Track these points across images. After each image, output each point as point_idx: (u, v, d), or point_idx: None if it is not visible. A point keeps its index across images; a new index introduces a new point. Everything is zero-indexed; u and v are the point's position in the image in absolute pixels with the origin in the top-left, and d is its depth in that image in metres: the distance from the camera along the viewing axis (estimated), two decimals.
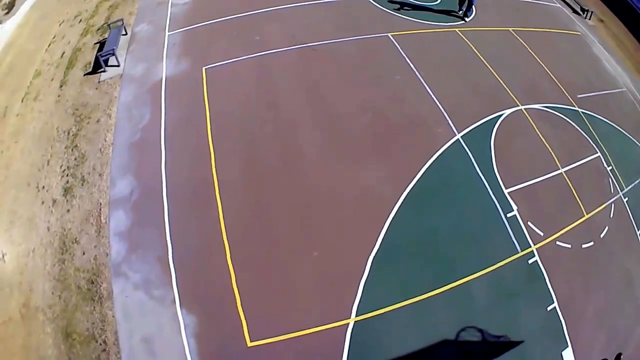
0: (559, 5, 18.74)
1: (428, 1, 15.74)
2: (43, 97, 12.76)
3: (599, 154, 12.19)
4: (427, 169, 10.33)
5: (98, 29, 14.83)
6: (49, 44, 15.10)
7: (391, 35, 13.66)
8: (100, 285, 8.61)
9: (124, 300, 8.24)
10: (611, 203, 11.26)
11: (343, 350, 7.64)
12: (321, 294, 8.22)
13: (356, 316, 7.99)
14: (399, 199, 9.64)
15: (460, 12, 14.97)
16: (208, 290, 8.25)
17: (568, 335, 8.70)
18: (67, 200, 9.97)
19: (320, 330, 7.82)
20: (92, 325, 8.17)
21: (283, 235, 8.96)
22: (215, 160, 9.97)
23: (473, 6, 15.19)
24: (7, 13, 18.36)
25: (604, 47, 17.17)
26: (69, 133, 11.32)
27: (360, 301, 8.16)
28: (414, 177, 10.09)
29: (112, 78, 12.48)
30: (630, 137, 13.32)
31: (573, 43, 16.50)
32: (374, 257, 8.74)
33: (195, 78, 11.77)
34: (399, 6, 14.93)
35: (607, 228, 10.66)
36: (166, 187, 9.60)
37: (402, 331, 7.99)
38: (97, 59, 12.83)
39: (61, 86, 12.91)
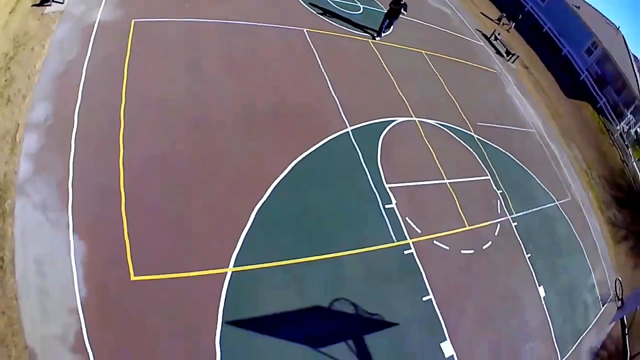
0: (483, 44, 19.99)
1: (351, 10, 15.92)
2: None
3: (489, 177, 12.31)
4: (315, 149, 10.06)
5: None
6: None
7: (306, 30, 13.45)
8: (5, 202, 8.31)
9: (24, 219, 7.93)
10: (497, 222, 11.23)
11: (220, 299, 7.48)
12: (205, 239, 8.06)
13: (234, 267, 7.74)
14: (286, 167, 9.43)
15: (377, 33, 15.13)
16: (100, 221, 7.94)
17: (446, 328, 8.59)
18: None
19: (200, 275, 7.66)
20: None
21: (179, 180, 8.72)
22: (125, 103, 9.62)
23: (392, 27, 15.37)
24: None
25: (519, 89, 18.22)
26: (6, 56, 11.26)
27: (239, 252, 7.97)
28: (301, 154, 9.85)
29: (54, 13, 12.42)
30: (529, 172, 13.84)
31: (485, 78, 17.37)
32: (257, 211, 8.54)
33: (123, 27, 11.68)
34: (322, 11, 14.83)
35: (490, 242, 10.58)
36: (77, 117, 9.20)
37: (277, 290, 7.84)
38: None
39: (10, 12, 12.76)
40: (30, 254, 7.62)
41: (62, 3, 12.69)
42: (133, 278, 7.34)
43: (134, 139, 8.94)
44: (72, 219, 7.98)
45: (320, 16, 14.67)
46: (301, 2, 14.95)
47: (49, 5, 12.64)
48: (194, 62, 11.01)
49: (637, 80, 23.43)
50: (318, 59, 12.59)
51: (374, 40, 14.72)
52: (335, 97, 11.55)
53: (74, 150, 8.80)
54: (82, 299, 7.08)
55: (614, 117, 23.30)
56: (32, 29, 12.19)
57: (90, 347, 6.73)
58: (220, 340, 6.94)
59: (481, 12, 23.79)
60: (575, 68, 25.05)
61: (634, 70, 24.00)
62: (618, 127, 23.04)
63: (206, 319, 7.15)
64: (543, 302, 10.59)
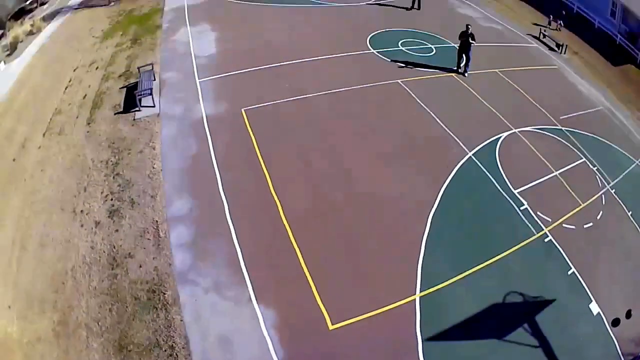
0: (536, 45, 22.67)
1: (425, 53, 19.29)
2: (69, 132, 13.81)
3: (584, 159, 15.04)
4: (452, 178, 12.92)
5: (120, 76, 16.78)
6: (66, 87, 16.67)
7: (400, 81, 16.90)
8: (164, 294, 9.03)
9: (194, 305, 8.80)
10: (602, 194, 13.86)
11: (415, 323, 8.93)
12: (387, 275, 9.84)
13: (420, 292, 9.55)
14: (437, 197, 12.14)
15: (460, 69, 18.10)
16: (282, 284, 9.26)
17: (590, 292, 10.68)
18: (113, 222, 10.67)
19: (392, 308, 9.11)
20: (155, 333, 8.45)
21: (344, 228, 10.72)
22: (269, 174, 12.04)
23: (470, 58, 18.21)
24: (9, 55, 20.03)
25: (578, 75, 20.80)
26: (107, 163, 12.26)
27: (421, 278, 9.81)
28: (444, 183, 12.67)
29: (149, 117, 13.91)
30: (610, 143, 16.32)
31: (551, 75, 20.05)
32: (426, 239, 10.83)
33: (235, 115, 13.98)
34: (403, 63, 18.19)
35: (601, 212, 13.17)
36: (226, 199, 11.05)
37: (460, 300, 9.63)
38: (127, 99, 14.61)
39: (89, 123, 14.03)
40: (211, 335, 8.29)
41: (154, 106, 14.44)
42: (331, 327, 8.49)
43: (290, 200, 11.02)
44: (253, 291, 9.00)
45: (405, 66, 18.00)
46: (383, 58, 18.37)
47: (139, 110, 14.32)
48: (317, 126, 13.91)
49: None
50: (419, 101, 15.85)
51: (457, 72, 17.92)
52: (447, 129, 14.65)
53: (233, 228, 10.25)
54: None
55: None
56: (128, 134, 13.28)
57: None
58: (423, 355, 8.45)
59: (532, 23, 25.74)
60: (610, 36, 26.08)
61: None
62: None
63: (408, 341, 8.65)
64: None
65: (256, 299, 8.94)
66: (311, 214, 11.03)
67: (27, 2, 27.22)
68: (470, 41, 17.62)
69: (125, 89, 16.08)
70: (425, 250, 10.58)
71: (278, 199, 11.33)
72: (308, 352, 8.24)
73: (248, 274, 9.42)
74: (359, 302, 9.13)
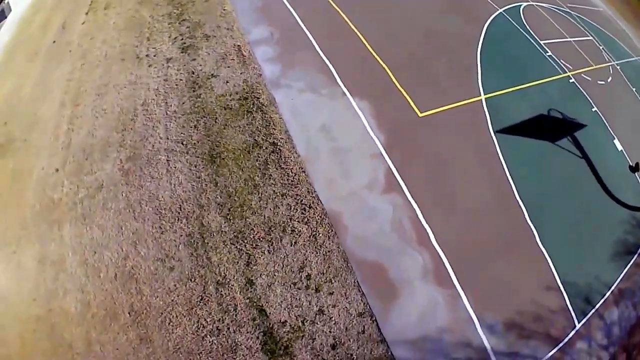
0: None
1: None
2: (116, 5, 12.96)
3: (592, 37, 16.54)
4: (489, 23, 13.90)
5: None
6: None
7: None
8: (258, 98, 9.17)
9: (291, 103, 9.09)
10: (609, 66, 15.46)
11: (486, 117, 10.29)
12: (457, 82, 11.00)
13: (484, 94, 10.77)
14: (481, 34, 13.08)
15: None
16: (371, 82, 9.97)
17: (612, 130, 12.25)
18: (188, 54, 10.47)
19: (466, 103, 10.32)
20: (252, 135, 8.61)
21: (416, 45, 11.77)
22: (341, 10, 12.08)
23: None
24: None
25: None
26: (169, 15, 11.80)
27: (482, 87, 10.95)
28: (484, 25, 13.64)
29: None
30: (613, 37, 18.13)
31: None
32: (480, 60, 11.88)
33: None
34: None
35: (610, 77, 14.79)
36: (305, 26, 11.09)
37: (514, 107, 11.03)
38: None
39: None
40: (312, 127, 8.67)
41: None
42: (420, 115, 9.51)
43: (362, 23, 11.90)
44: (346, 88, 9.47)
45: None
46: None
47: None
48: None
49: None
50: None
51: None
52: None
53: (317, 44, 10.51)
54: (382, 143, 8.59)
55: None
56: None
57: (403, 181, 8.10)
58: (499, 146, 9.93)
59: None
60: None
61: None
62: None
63: (482, 127, 10.04)
64: None
65: (350, 94, 9.40)
66: (385, 35, 11.50)
67: None
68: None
69: None
70: (481, 69, 11.59)
71: (353, 24, 11.50)
72: (405, 134, 8.98)
73: (339, 76, 9.77)
74: (439, 98, 10.08)
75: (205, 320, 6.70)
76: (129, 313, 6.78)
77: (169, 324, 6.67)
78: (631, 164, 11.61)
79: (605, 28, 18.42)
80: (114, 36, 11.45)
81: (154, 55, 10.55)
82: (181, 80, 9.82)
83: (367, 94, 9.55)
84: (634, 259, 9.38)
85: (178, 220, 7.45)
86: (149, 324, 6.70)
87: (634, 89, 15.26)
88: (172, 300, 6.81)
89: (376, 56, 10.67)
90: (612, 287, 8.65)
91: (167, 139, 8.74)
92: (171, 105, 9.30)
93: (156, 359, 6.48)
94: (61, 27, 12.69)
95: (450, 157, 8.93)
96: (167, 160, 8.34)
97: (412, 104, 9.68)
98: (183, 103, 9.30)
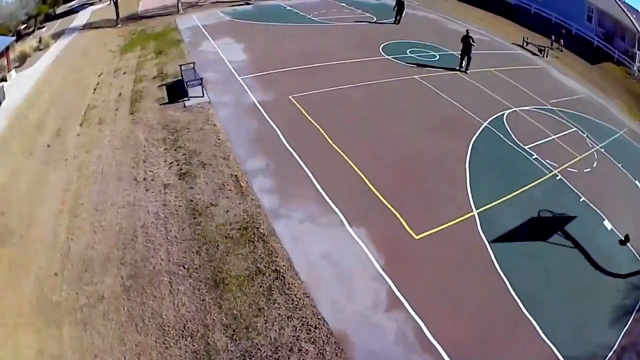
0: (521, 51, 27.10)
1: (431, 58, 22.83)
2: (110, 121, 13.98)
3: (575, 128, 18.43)
4: (475, 138, 15.74)
5: (154, 78, 17.56)
6: (94, 89, 17.13)
7: (416, 76, 20.04)
8: (258, 228, 9.68)
9: (291, 233, 9.69)
10: (593, 151, 17.11)
11: (479, 230, 11.10)
12: (449, 200, 12.06)
13: (476, 209, 11.85)
14: (467, 151, 14.84)
15: (462, 67, 21.48)
16: (367, 211, 11.01)
17: (601, 212, 13.40)
18: (186, 182, 11.12)
19: (460, 221, 11.18)
20: (254, 262, 9.08)
21: (408, 172, 13.08)
22: (328, 136, 13.94)
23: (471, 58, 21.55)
24: (18, 66, 20.68)
25: (560, 72, 24.95)
26: (164, 140, 12.50)
27: (473, 201, 12.16)
28: (470, 141, 15.44)
29: (200, 104, 14.55)
30: (594, 119, 19.99)
31: (538, 72, 24.10)
32: (469, 177, 13.35)
33: (284, 100, 15.59)
34: (415, 64, 21.43)
35: (596, 162, 16.29)
36: (297, 154, 12.36)
37: (506, 216, 11.94)
38: (171, 94, 15.31)
39: (132, 113, 14.34)
40: (313, 254, 9.24)
41: (202, 97, 15.05)
42: (417, 237, 10.31)
43: (350, 150, 13.08)
44: (344, 216, 10.36)
45: (416, 66, 21.30)
46: (397, 62, 21.73)
47: (187, 100, 14.87)
48: (359, 107, 16.21)
49: (630, 20, 28.64)
50: (435, 90, 18.94)
51: (460, 71, 21.36)
52: (462, 108, 17.65)
53: (311, 173, 11.73)
54: (382, 266, 9.27)
55: (630, 61, 28.82)
56: (181, 117, 13.62)
57: (405, 298, 8.63)
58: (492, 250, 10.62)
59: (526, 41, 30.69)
60: (587, 40, 30.90)
61: (623, 11, 29.00)
62: (635, 67, 28.56)
63: (476, 242, 10.71)
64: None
65: (348, 223, 10.34)
66: (374, 160, 13.22)
67: (24, 26, 28.60)
68: (471, 42, 21.15)
69: (164, 86, 16.79)
70: (470, 185, 13.00)
71: (343, 152, 13.24)
72: (403, 256, 9.97)
73: (335, 205, 10.80)
74: (433, 219, 11.09)
75: None
76: None
77: None
78: (621, 237, 12.57)
79: (588, 112, 20.39)
80: (109, 154, 12.44)
81: (152, 180, 11.29)
82: (180, 207, 10.52)
83: (363, 220, 10.67)
84: (632, 317, 10.05)
85: (182, 337, 7.83)
86: None
87: (619, 164, 16.76)
88: None
89: (369, 184, 12.08)
90: (614, 347, 9.23)
91: (169, 261, 9.18)
92: (171, 231, 9.89)
93: None
94: (56, 133, 13.45)
95: (448, 272, 9.88)
96: (170, 282, 8.73)
97: (407, 227, 10.80)
98: (183, 229, 9.90)
